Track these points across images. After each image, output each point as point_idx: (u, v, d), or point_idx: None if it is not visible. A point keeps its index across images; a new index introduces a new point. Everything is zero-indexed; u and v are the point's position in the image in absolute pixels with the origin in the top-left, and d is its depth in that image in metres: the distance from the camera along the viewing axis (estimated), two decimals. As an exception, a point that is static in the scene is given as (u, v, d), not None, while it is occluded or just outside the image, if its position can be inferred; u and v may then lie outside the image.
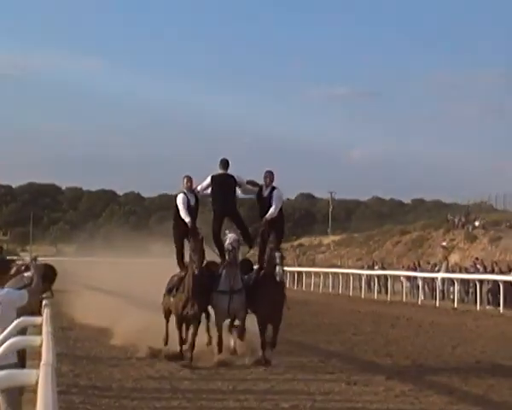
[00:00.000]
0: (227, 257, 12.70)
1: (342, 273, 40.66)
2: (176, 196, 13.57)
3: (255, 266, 13.67)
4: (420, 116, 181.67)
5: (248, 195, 14.15)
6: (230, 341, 13.61)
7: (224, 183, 13.23)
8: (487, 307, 27.12)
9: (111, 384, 11.62)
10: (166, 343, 13.66)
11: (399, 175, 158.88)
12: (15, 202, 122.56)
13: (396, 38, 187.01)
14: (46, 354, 5.41)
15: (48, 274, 9.00)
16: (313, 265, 57.79)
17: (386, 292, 34.93)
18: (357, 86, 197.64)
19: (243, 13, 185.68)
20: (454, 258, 45.19)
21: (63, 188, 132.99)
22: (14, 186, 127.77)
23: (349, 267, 48.47)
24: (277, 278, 12.45)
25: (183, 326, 13.20)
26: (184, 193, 13.24)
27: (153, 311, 17.69)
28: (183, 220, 13.06)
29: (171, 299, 13.32)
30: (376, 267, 39.78)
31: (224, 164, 13.28)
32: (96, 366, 13.48)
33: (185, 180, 13.39)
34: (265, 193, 13.18)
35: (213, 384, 11.46)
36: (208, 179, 13.37)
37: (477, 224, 49.74)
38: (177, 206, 13.30)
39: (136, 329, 15.75)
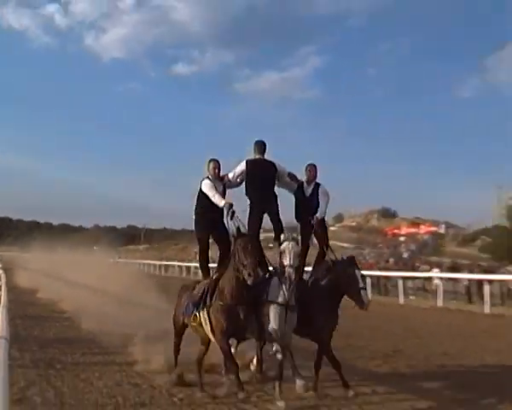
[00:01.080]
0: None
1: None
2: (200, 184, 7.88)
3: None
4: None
5: (284, 189, 8.46)
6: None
7: (262, 170, 8.02)
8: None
9: (34, 315, 14.19)
10: (176, 365, 7.84)
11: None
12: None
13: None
14: (3, 300, 6.89)
15: None
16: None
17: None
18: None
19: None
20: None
21: (55, 224, 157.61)
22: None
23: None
24: (364, 307, 7.18)
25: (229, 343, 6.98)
26: (209, 179, 7.86)
27: (68, 283, 20.77)
28: (210, 209, 7.67)
29: (200, 313, 7.20)
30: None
31: (260, 147, 8.09)
32: (28, 306, 15.95)
33: (211, 165, 7.97)
34: (308, 190, 8.24)
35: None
36: (242, 165, 8.07)
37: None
38: (201, 194, 7.87)
39: (52, 290, 18.46)
